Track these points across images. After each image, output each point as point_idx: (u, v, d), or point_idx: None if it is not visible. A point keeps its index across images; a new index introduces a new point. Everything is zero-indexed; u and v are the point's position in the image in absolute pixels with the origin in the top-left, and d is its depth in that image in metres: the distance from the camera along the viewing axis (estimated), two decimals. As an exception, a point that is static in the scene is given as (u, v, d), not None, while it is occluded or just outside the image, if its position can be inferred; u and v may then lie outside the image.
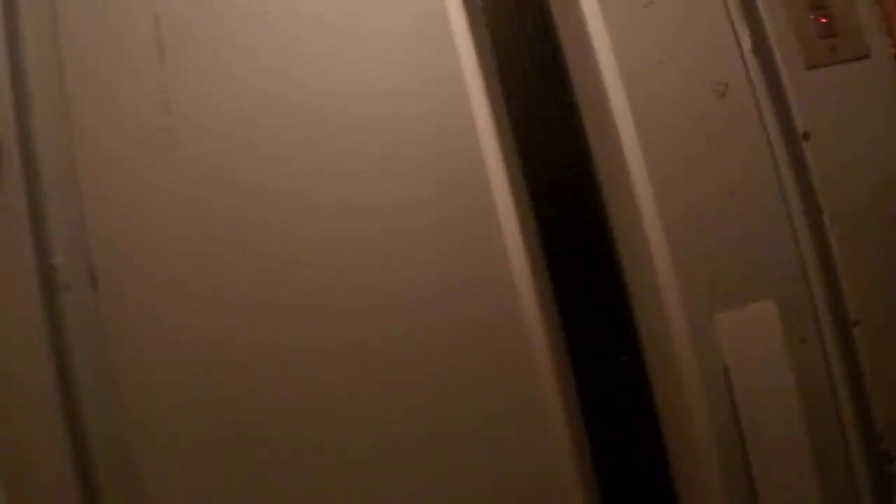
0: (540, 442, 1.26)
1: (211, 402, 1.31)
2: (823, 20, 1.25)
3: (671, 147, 1.27)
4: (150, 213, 1.32)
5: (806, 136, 1.23)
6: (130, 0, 1.36)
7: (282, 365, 1.31)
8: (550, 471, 1.26)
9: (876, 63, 1.25)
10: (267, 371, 1.31)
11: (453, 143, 1.31)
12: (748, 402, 1.22)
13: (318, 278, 1.30)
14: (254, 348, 1.31)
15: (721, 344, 1.23)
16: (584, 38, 1.30)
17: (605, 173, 1.32)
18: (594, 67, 1.29)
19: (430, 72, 1.33)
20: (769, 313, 1.23)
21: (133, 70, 1.34)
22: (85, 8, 1.37)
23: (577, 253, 1.32)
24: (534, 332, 1.26)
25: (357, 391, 1.29)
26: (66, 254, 1.32)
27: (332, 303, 1.29)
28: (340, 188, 1.32)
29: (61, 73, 1.36)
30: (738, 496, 1.23)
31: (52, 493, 1.26)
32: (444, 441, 1.26)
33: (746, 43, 1.29)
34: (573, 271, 1.31)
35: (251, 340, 1.31)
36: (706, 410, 1.24)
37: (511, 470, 1.26)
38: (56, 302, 1.30)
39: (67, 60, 1.36)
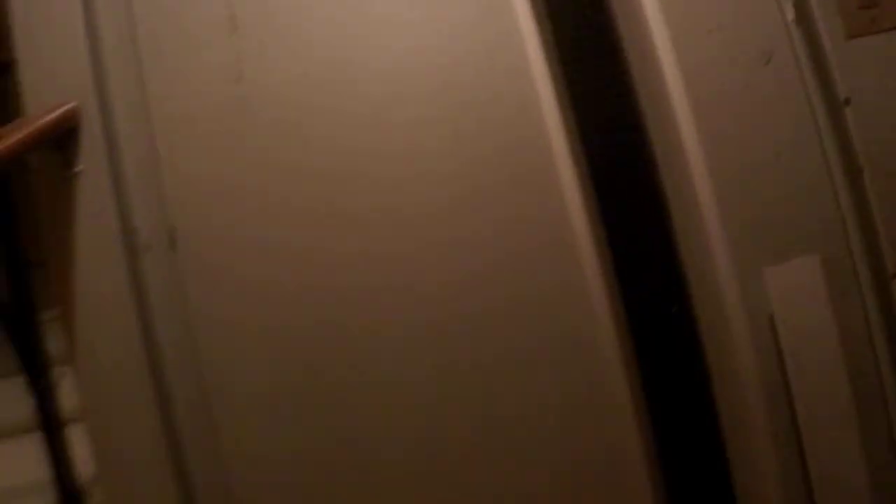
0: (598, 388, 1.35)
1: (288, 358, 1.40)
2: (864, -9, 1.32)
3: (720, 112, 1.35)
4: (226, 177, 1.40)
5: (847, 102, 1.31)
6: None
7: (358, 323, 1.40)
8: (608, 410, 1.34)
9: (913, 32, 1.33)
10: (343, 328, 1.39)
11: (513, 110, 1.39)
12: (793, 350, 1.30)
13: (389, 235, 1.39)
14: (326, 305, 1.39)
15: (768, 295, 1.31)
16: (637, 8, 1.36)
17: (657, 137, 1.40)
18: (647, 36, 1.36)
19: (491, 39, 1.40)
20: (813, 267, 1.31)
21: (206, 41, 1.42)
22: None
23: (632, 213, 1.40)
24: (594, 286, 1.35)
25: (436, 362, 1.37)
26: (145, 217, 1.40)
27: (406, 258, 1.37)
28: (406, 150, 1.40)
29: (136, 45, 1.43)
30: (783, 437, 1.32)
31: (138, 436, 1.34)
32: (519, 403, 1.35)
33: (790, 13, 1.36)
34: (628, 230, 1.39)
35: (323, 298, 1.39)
36: (753, 357, 1.32)
37: (573, 411, 1.34)
38: (137, 263, 1.37)
39: (141, 32, 1.45)
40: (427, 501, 1.37)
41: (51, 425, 1.28)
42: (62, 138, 1.35)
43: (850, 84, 1.31)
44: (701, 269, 1.36)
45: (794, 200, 1.34)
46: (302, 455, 1.38)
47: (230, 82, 1.40)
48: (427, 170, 1.40)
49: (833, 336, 1.30)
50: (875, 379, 1.32)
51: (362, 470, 1.38)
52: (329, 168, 1.39)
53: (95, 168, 1.37)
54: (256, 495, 1.38)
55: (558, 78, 1.39)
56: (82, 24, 1.40)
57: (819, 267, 1.31)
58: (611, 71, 1.41)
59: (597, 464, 1.35)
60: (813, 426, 1.30)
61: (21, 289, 1.33)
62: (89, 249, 1.37)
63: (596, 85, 1.41)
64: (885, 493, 1.29)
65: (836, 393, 1.30)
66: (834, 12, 1.33)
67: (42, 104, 1.38)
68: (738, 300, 1.32)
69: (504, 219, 1.37)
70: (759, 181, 1.34)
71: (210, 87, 1.41)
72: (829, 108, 1.33)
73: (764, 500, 1.34)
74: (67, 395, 2.15)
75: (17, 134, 1.24)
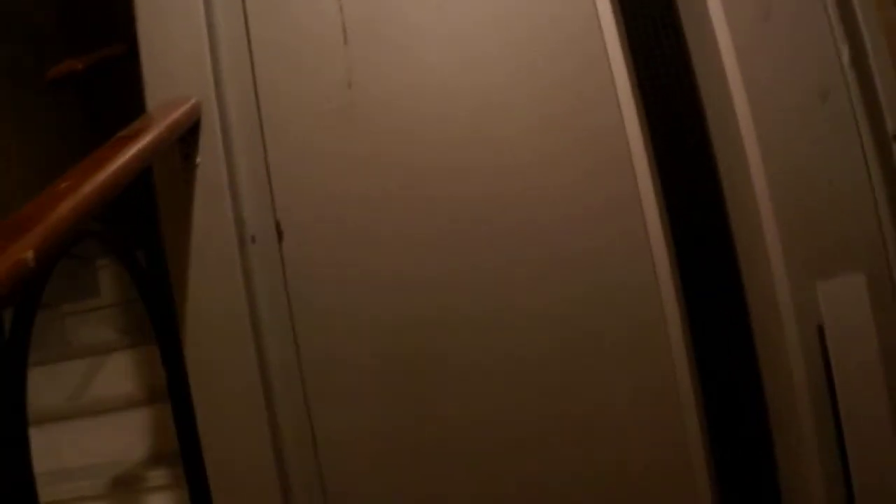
0: (664, 387, 1.47)
1: (380, 347, 1.50)
2: (914, 40, 1.47)
3: (782, 141, 1.48)
4: (332, 177, 1.51)
5: (895, 137, 1.45)
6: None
7: (454, 322, 1.52)
8: (671, 407, 1.47)
9: (956, 79, 1.48)
10: (439, 324, 1.52)
11: (600, 131, 1.52)
12: (839, 358, 1.44)
13: (485, 234, 1.50)
14: (426, 302, 1.52)
15: (819, 307, 1.45)
16: (712, 47, 1.50)
17: (725, 163, 1.54)
18: (720, 72, 1.50)
19: (581, 69, 1.53)
20: (859, 283, 1.46)
21: (320, 50, 1.53)
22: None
23: (700, 232, 1.54)
24: (666, 293, 1.47)
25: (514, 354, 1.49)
26: (255, 211, 1.50)
27: (499, 262, 1.49)
28: (494, 168, 1.51)
29: (252, 46, 1.55)
30: (827, 438, 1.45)
31: (241, 408, 1.43)
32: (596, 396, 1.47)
33: (846, 56, 1.50)
34: (696, 250, 1.53)
35: (422, 296, 1.51)
36: (802, 363, 1.46)
37: (637, 399, 1.47)
38: (245, 252, 1.47)
39: (257, 35, 1.55)
40: (497, 476, 1.48)
41: (181, 395, 1.37)
42: (184, 131, 1.44)
43: (899, 121, 1.45)
44: (760, 279, 1.49)
45: (843, 223, 1.48)
46: (388, 433, 1.49)
47: (340, 88, 1.51)
48: (522, 185, 1.51)
49: (874, 346, 1.44)
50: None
51: (442, 451, 1.48)
52: (430, 173, 1.50)
53: (213, 161, 1.47)
54: (345, 468, 1.48)
55: (641, 110, 1.52)
56: (203, 21, 1.50)
57: (864, 284, 1.45)
58: (687, 105, 1.54)
59: (658, 456, 1.47)
60: (855, 428, 1.43)
61: (158, 265, 1.42)
62: (203, 236, 1.46)
63: (673, 114, 1.55)
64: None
65: (876, 398, 1.44)
66: (885, 56, 1.47)
67: (162, 97, 1.47)
68: (792, 309, 1.45)
69: (595, 237, 1.49)
70: (814, 204, 1.48)
71: (321, 91, 1.52)
72: (878, 142, 1.47)
73: (807, 499, 1.46)
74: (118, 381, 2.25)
75: (155, 129, 1.32)
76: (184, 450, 1.39)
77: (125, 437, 2.19)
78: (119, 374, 2.32)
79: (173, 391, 1.37)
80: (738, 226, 1.53)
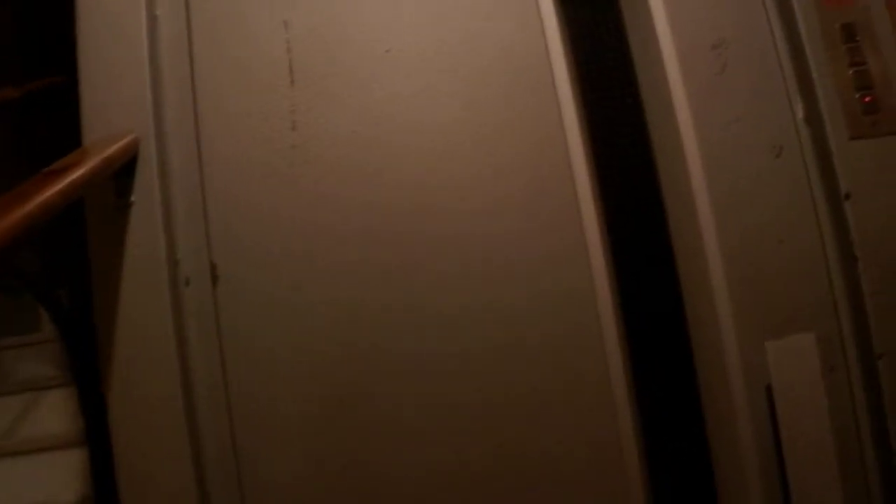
0: (606, 448, 1.42)
1: (319, 394, 1.44)
2: (867, 99, 1.44)
3: (734, 198, 1.45)
4: (274, 220, 1.45)
5: (847, 196, 1.42)
6: (265, 28, 1.49)
7: (391, 368, 1.44)
8: (615, 467, 1.41)
9: (909, 138, 1.46)
10: (374, 375, 1.44)
11: (544, 171, 1.47)
12: (787, 418, 1.40)
13: (430, 283, 1.44)
14: (364, 353, 1.44)
15: (767, 367, 1.41)
16: (666, 100, 1.47)
17: (676, 219, 1.50)
18: (673, 126, 1.46)
19: (531, 123, 1.48)
20: (809, 343, 1.42)
21: (266, 90, 1.47)
22: (220, 34, 1.49)
23: (648, 289, 1.49)
24: (610, 348, 1.42)
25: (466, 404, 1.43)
26: (190, 252, 1.43)
27: (442, 308, 1.43)
28: (441, 214, 1.45)
29: (195, 83, 1.48)
30: (773, 498, 1.40)
31: (166, 458, 1.36)
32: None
33: (800, 113, 1.48)
34: (643, 306, 1.49)
35: (363, 345, 1.44)
36: (750, 422, 1.41)
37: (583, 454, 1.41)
38: (177, 294, 1.40)
39: (201, 72, 1.49)
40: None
41: (98, 440, 1.29)
42: (119, 168, 1.37)
43: (851, 180, 1.42)
44: (708, 338, 1.45)
45: (794, 282, 1.44)
46: (320, 475, 1.41)
47: (284, 130, 1.46)
48: (455, 228, 1.46)
49: (824, 408, 1.40)
50: (857, 449, 1.42)
51: (373, 490, 1.41)
52: (373, 219, 1.45)
53: (148, 200, 1.40)
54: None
55: (590, 157, 1.48)
56: (146, 56, 1.44)
57: (814, 343, 1.41)
58: (639, 154, 1.51)
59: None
60: (801, 487, 1.39)
61: (83, 306, 1.34)
62: (134, 276, 1.39)
63: (624, 169, 1.51)
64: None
65: (825, 458, 1.40)
66: (839, 115, 1.44)
67: (99, 132, 1.40)
68: (740, 369, 1.41)
69: (527, 278, 1.44)
70: (765, 263, 1.44)
71: (264, 133, 1.46)
72: (831, 201, 1.44)
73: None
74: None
75: (87, 164, 1.25)
76: (100, 496, 1.30)
77: (60, 478, 2.08)
78: (56, 411, 2.22)
79: (91, 438, 1.29)
80: (687, 283, 1.49)
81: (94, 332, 1.36)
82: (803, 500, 1.39)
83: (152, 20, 1.47)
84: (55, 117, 1.50)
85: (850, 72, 1.45)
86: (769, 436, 1.41)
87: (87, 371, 1.34)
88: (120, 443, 1.37)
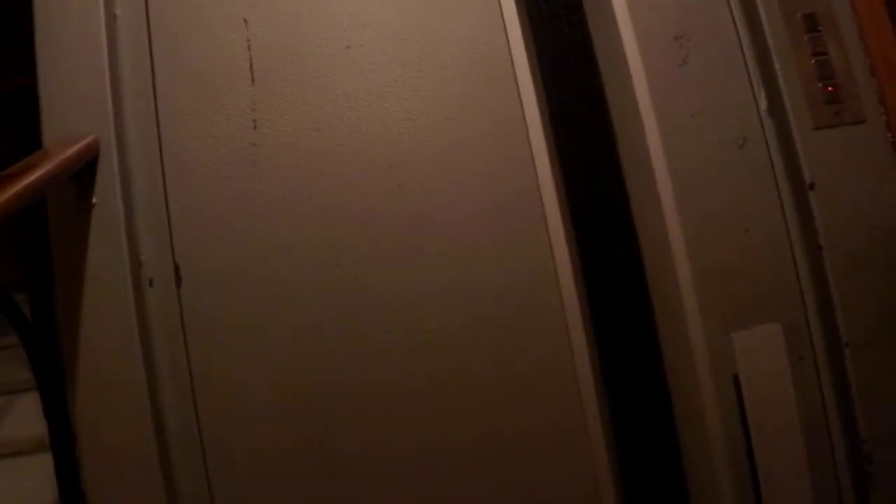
0: (573, 435, 1.41)
1: (286, 395, 1.41)
2: (830, 88, 1.43)
3: (697, 189, 1.44)
4: (235, 218, 1.43)
5: (812, 186, 1.41)
6: (225, 26, 1.46)
7: (355, 353, 1.43)
8: (581, 456, 1.40)
9: (871, 127, 1.45)
10: (339, 362, 1.42)
11: (505, 159, 1.45)
12: (755, 408, 1.39)
13: (393, 267, 1.42)
14: (329, 342, 1.42)
15: (734, 357, 1.40)
16: (628, 92, 1.46)
17: (639, 211, 1.48)
18: (636, 118, 1.45)
19: (492, 114, 1.46)
20: (775, 333, 1.41)
21: (227, 89, 1.45)
22: (180, 33, 1.47)
23: (613, 281, 1.48)
24: (575, 335, 1.41)
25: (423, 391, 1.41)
26: (152, 254, 1.41)
27: (405, 292, 1.41)
28: (404, 210, 1.44)
29: (156, 84, 1.46)
30: (742, 488, 1.39)
31: (133, 463, 1.34)
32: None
33: (763, 104, 1.47)
34: (609, 300, 1.47)
35: (328, 334, 1.42)
36: (718, 413, 1.40)
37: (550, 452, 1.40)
38: (141, 296, 1.38)
39: (162, 72, 1.46)
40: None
41: (63, 445, 1.27)
42: (79, 170, 1.35)
43: (815, 170, 1.41)
44: (674, 329, 1.43)
45: (760, 272, 1.43)
46: (290, 466, 1.40)
47: (244, 129, 1.43)
48: (414, 224, 1.44)
49: (791, 397, 1.39)
50: (825, 437, 1.42)
51: (341, 472, 1.40)
52: (334, 216, 1.43)
53: (109, 202, 1.38)
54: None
55: (552, 147, 1.46)
56: (105, 58, 1.41)
57: (780, 333, 1.41)
58: (600, 145, 1.49)
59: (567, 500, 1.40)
60: (770, 477, 1.38)
61: (45, 311, 1.32)
62: (97, 278, 1.36)
63: (586, 161, 1.49)
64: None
65: (792, 448, 1.39)
66: (803, 105, 1.43)
67: (60, 134, 1.38)
68: (707, 360, 1.40)
69: (500, 274, 1.42)
70: (729, 254, 1.43)
71: (224, 131, 1.44)
72: (796, 190, 1.44)
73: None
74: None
75: (44, 167, 1.23)
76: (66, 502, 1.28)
77: (34, 481, 2.06)
78: (30, 415, 2.20)
79: (56, 444, 1.27)
80: (653, 275, 1.48)
81: (57, 337, 1.33)
82: (772, 488, 1.38)
83: (111, 19, 1.45)
84: (22, 120, 1.47)
85: (813, 62, 1.44)
86: (737, 425, 1.40)
87: (51, 375, 1.31)
88: (86, 445, 1.35)
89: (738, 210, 1.44)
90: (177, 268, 1.41)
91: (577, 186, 1.47)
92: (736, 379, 1.40)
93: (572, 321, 1.40)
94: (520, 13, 1.48)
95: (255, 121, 1.44)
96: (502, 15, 1.48)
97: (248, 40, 1.47)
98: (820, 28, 1.45)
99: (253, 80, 1.45)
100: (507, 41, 1.47)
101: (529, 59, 1.46)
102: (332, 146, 1.43)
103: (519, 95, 1.44)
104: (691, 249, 1.41)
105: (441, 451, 1.39)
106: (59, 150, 1.30)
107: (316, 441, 1.39)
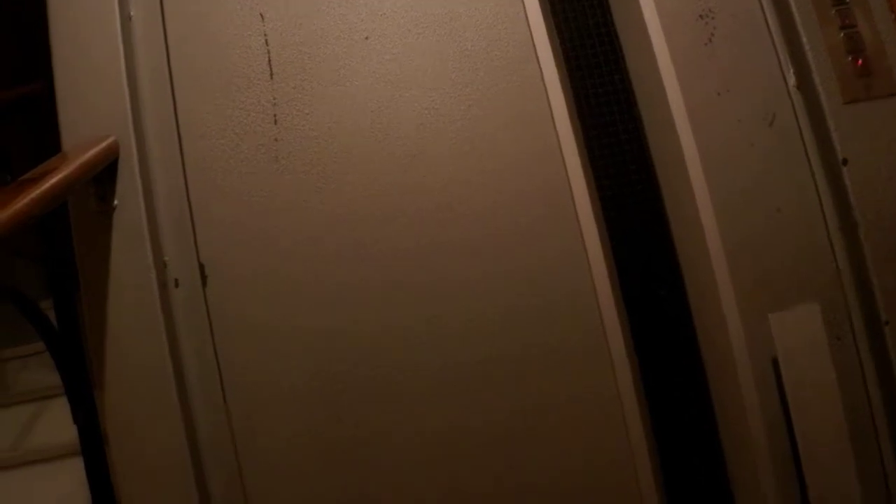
0: (613, 426, 1.35)
1: (312, 400, 1.36)
2: (860, 62, 1.37)
3: (727, 169, 1.38)
4: (261, 215, 1.38)
5: (844, 162, 1.35)
6: (241, 22, 1.42)
7: (370, 353, 1.38)
8: (621, 452, 1.34)
9: (904, 99, 1.38)
10: (358, 359, 1.37)
11: (530, 156, 1.40)
12: (795, 391, 1.33)
13: (416, 276, 1.37)
14: (355, 346, 1.37)
15: (772, 339, 1.34)
16: (653, 72, 1.40)
17: (670, 194, 1.42)
18: (662, 99, 1.39)
19: (516, 100, 1.41)
20: (813, 313, 1.35)
21: (245, 85, 1.40)
22: (196, 31, 1.42)
23: (645, 266, 1.42)
24: (614, 341, 1.35)
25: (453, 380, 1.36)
26: (177, 254, 1.36)
27: (419, 300, 1.36)
28: (433, 195, 1.38)
29: (173, 83, 1.41)
30: (785, 470, 1.33)
31: (165, 464, 1.29)
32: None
33: (791, 79, 1.40)
34: (641, 283, 1.41)
35: (354, 337, 1.37)
36: (757, 397, 1.34)
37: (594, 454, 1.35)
38: (166, 297, 1.34)
39: (179, 71, 1.42)
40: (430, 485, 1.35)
41: (93, 449, 1.22)
42: (99, 172, 1.31)
43: (848, 145, 1.35)
44: (710, 314, 1.38)
45: (794, 251, 1.37)
46: (316, 463, 1.36)
47: (265, 125, 1.39)
48: (440, 213, 1.39)
49: (831, 377, 1.33)
50: (868, 415, 1.35)
51: (373, 461, 1.35)
52: (358, 211, 1.37)
53: (131, 203, 1.33)
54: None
55: (578, 131, 1.40)
56: (122, 58, 1.37)
57: (819, 313, 1.34)
58: (627, 129, 1.43)
59: (607, 482, 1.34)
60: (813, 459, 1.32)
61: (68, 315, 1.27)
62: (122, 281, 1.32)
63: (612, 143, 1.43)
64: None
65: (834, 428, 1.33)
66: (832, 79, 1.37)
67: (79, 137, 1.33)
68: (744, 343, 1.34)
69: (521, 258, 1.37)
70: (763, 234, 1.37)
71: (245, 128, 1.39)
72: (828, 167, 1.37)
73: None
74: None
75: (64, 169, 1.19)
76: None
77: (69, 486, 2.03)
78: (63, 419, 2.16)
79: (86, 449, 1.22)
80: (684, 258, 1.42)
81: (82, 341, 1.29)
82: (816, 472, 1.32)
83: (126, 21, 1.41)
84: (39, 125, 1.43)
85: (841, 35, 1.38)
86: (778, 409, 1.34)
87: (77, 380, 1.27)
88: (117, 448, 1.31)
89: (769, 189, 1.38)
90: (202, 267, 1.36)
91: (604, 170, 1.41)
92: (775, 362, 1.34)
93: (605, 307, 1.35)
94: (540, -5, 1.42)
95: (275, 116, 1.39)
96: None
97: (265, 35, 1.42)
98: (847, 0, 1.38)
99: (272, 75, 1.40)
100: (528, 24, 1.42)
101: (551, 41, 1.40)
102: (355, 139, 1.38)
103: (542, 79, 1.39)
104: (723, 230, 1.36)
105: (471, 439, 1.34)
106: (77, 154, 1.26)
107: (347, 434, 1.34)
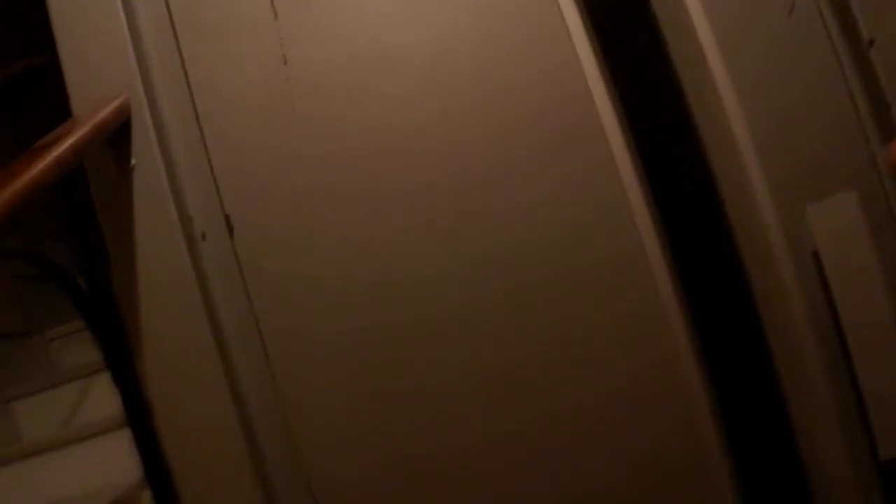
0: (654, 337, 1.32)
1: (352, 325, 1.35)
2: (879, -66, 1.30)
3: (750, 62, 1.33)
4: (281, 159, 1.36)
5: (871, 43, 1.29)
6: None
7: (409, 294, 1.35)
8: (665, 351, 1.32)
9: (931, -31, 1.32)
10: (396, 300, 1.35)
11: (549, 82, 1.35)
12: (839, 280, 1.29)
13: (433, 206, 1.34)
14: (382, 274, 1.35)
15: (812, 231, 1.30)
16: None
17: (693, 92, 1.37)
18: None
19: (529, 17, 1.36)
20: (851, 202, 1.30)
21: (251, 29, 1.37)
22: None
23: (676, 166, 1.38)
24: (650, 246, 1.32)
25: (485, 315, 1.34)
26: (201, 206, 1.34)
27: (452, 234, 1.33)
28: (449, 130, 1.35)
29: (177, 35, 1.38)
30: (833, 364, 1.30)
31: (212, 424, 1.28)
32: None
33: (808, -37, 1.34)
34: (674, 186, 1.37)
35: (382, 272, 1.35)
36: (800, 293, 1.31)
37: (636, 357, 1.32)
38: (195, 251, 1.32)
39: (181, 22, 1.39)
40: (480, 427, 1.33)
41: (139, 420, 1.22)
42: (114, 133, 1.28)
43: (873, 24, 1.29)
44: (745, 210, 1.33)
45: (827, 140, 1.33)
46: (366, 412, 1.35)
47: (276, 66, 1.35)
48: (464, 142, 1.35)
49: (875, 266, 1.29)
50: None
51: (420, 406, 1.35)
52: (374, 148, 1.35)
53: (149, 161, 1.31)
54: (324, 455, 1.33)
55: (596, 46, 1.36)
56: (122, 18, 1.34)
57: (857, 201, 1.30)
58: (645, 33, 1.38)
59: (655, 391, 1.32)
60: (863, 351, 1.29)
61: (99, 282, 1.26)
62: (149, 241, 1.31)
63: (629, 49, 1.38)
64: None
65: (882, 317, 1.29)
66: (851, -44, 1.31)
67: (88, 101, 1.31)
68: (782, 237, 1.30)
69: (548, 180, 1.33)
70: (793, 124, 1.33)
71: (255, 71, 1.36)
72: (854, 50, 1.32)
73: (822, 432, 1.31)
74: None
75: (77, 132, 1.17)
76: (150, 476, 1.23)
77: (120, 459, 2.04)
78: (108, 394, 2.16)
79: (132, 415, 1.21)
80: (714, 156, 1.37)
81: (116, 308, 1.28)
82: (864, 359, 1.29)
83: (123, -22, 1.36)
84: (48, 96, 1.40)
85: None
86: (821, 301, 1.30)
87: (118, 353, 1.26)
88: (163, 412, 1.31)
89: (796, 78, 1.33)
90: (227, 218, 1.34)
91: (625, 76, 1.36)
92: (815, 255, 1.30)
93: (639, 216, 1.32)
94: None
95: (284, 56, 1.36)
96: None
97: (263, -25, 1.38)
98: None
99: (276, 15, 1.37)
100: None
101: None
102: (371, 72, 1.35)
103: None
104: (752, 124, 1.32)
105: (519, 370, 1.32)
106: (89, 116, 1.23)
107: (387, 382, 1.32)
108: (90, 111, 1.26)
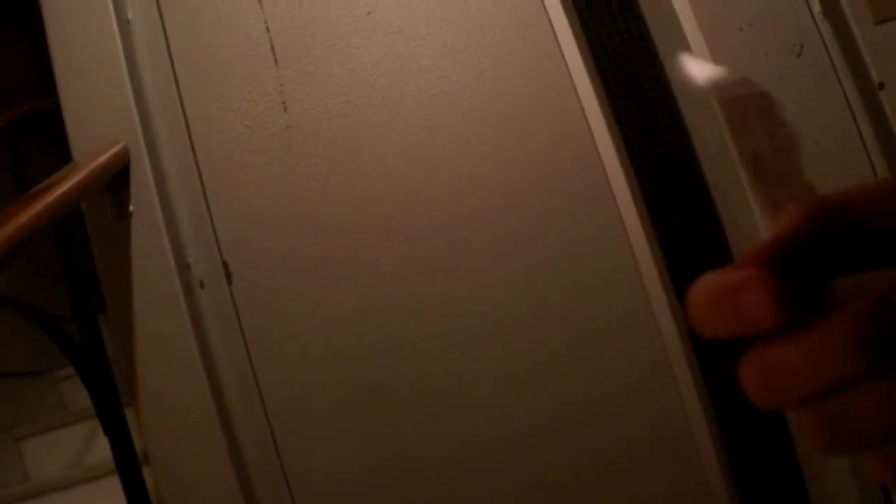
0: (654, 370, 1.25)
1: (349, 382, 1.29)
2: (887, -22, 1.25)
3: (758, 105, 1.26)
4: (278, 207, 1.31)
5: (881, 86, 1.23)
6: (239, 10, 1.34)
7: (404, 348, 1.29)
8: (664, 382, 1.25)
9: (938, 12, 1.26)
10: (391, 356, 1.29)
11: (545, 107, 1.30)
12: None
13: (433, 265, 1.28)
14: (382, 333, 1.29)
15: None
16: (668, 10, 1.29)
17: (700, 139, 1.31)
18: (680, 37, 1.28)
19: (529, 58, 1.31)
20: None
21: (250, 74, 1.32)
22: (195, 25, 1.34)
23: (676, 195, 1.32)
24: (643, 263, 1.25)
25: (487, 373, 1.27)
26: (199, 254, 1.29)
27: (454, 299, 1.27)
28: (449, 174, 1.29)
29: (178, 81, 1.35)
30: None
31: (209, 472, 1.23)
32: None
33: (817, 6, 1.28)
34: (672, 210, 1.31)
35: (381, 326, 1.29)
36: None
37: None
38: (193, 299, 1.26)
39: (182, 69, 1.35)
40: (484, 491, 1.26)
41: (128, 467, 1.15)
42: (112, 179, 1.23)
43: (883, 68, 1.23)
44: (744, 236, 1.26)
45: (837, 183, 1.25)
46: (361, 467, 1.27)
47: (275, 113, 1.30)
48: (473, 186, 1.29)
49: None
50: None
51: (420, 471, 1.27)
52: (378, 189, 1.29)
53: (147, 207, 1.26)
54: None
55: (598, 84, 1.30)
56: (123, 63, 1.30)
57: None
58: (648, 74, 1.32)
59: (666, 447, 1.25)
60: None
61: (91, 332, 1.20)
62: (146, 288, 1.25)
63: (633, 88, 1.33)
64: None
65: None
66: (859, 0, 1.25)
67: (88, 147, 1.27)
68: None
69: (549, 212, 1.27)
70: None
71: (255, 119, 1.31)
72: (864, 93, 1.26)
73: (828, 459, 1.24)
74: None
75: (72, 178, 1.12)
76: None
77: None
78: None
79: (120, 463, 1.15)
80: (722, 204, 1.31)
81: (107, 353, 1.22)
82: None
83: (124, 24, 1.33)
84: (52, 140, 1.36)
85: (864, -49, 1.26)
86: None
87: (106, 399, 1.20)
88: (157, 459, 1.25)
89: (805, 122, 1.26)
90: (225, 265, 1.28)
91: (628, 123, 1.30)
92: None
93: (647, 276, 1.25)
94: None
95: (284, 103, 1.31)
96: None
97: (265, 21, 1.34)
98: (867, -87, 1.26)
99: (276, 62, 1.32)
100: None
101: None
102: (367, 116, 1.30)
103: (554, 33, 1.28)
104: (760, 171, 1.24)
105: (527, 437, 1.25)
106: (87, 162, 1.18)
107: (391, 456, 1.28)
108: (89, 157, 1.21)
